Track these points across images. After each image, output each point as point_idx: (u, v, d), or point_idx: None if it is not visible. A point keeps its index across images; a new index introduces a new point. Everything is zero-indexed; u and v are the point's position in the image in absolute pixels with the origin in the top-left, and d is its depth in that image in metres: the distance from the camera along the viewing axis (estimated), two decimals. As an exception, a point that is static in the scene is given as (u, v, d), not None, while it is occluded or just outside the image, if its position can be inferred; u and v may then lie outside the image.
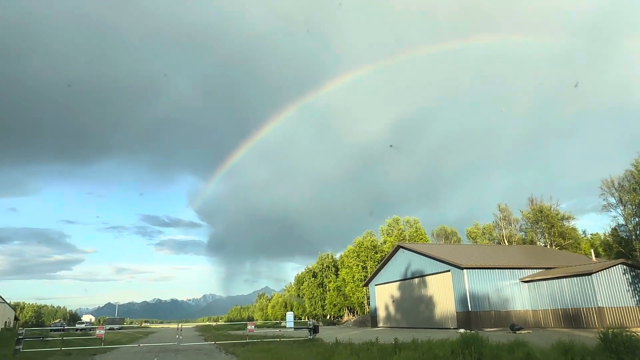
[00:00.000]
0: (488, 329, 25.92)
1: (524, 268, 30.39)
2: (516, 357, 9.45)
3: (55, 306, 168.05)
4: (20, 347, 16.46)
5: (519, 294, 29.36)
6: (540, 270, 30.27)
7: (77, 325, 64.54)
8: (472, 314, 27.64)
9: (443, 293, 31.18)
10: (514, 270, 30.05)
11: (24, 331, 17.46)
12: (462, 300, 28.52)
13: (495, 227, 60.55)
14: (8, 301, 72.66)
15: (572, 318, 26.02)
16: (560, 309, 26.92)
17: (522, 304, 29.07)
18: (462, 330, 21.98)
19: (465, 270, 28.52)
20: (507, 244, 55.23)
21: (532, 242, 52.62)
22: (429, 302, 32.95)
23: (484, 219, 75.41)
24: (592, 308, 24.92)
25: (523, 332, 23.29)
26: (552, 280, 27.69)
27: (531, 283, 29.31)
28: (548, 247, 48.78)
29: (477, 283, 28.59)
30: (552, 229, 50.83)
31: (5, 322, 65.71)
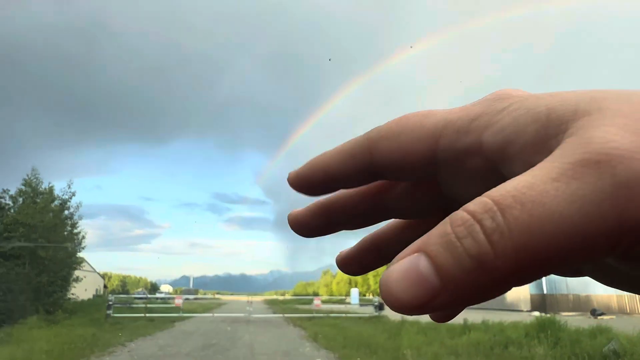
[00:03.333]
0: (565, 313, 24.52)
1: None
2: (598, 344, 8.84)
3: (137, 276, 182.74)
4: (111, 312, 18.11)
5: (600, 277, 27.42)
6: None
7: (158, 295, 69.79)
8: (547, 297, 26.28)
9: (515, 274, 29.88)
10: (595, 252, 28.04)
11: (113, 298, 19.19)
12: (536, 282, 27.13)
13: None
14: (97, 271, 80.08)
15: (663, 305, 23.89)
16: (649, 294, 24.79)
17: (604, 288, 27.08)
18: (536, 313, 20.99)
19: (540, 251, 27.03)
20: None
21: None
22: (499, 283, 31.77)
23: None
24: (687, 295, 22.66)
25: (605, 317, 21.77)
26: (640, 264, 25.50)
27: (615, 266, 27.21)
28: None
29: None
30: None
31: (96, 289, 72.57)
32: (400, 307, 0.18)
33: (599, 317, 21.62)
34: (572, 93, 0.20)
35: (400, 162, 0.25)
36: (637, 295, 25.26)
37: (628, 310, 25.93)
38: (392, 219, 0.32)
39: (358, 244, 0.32)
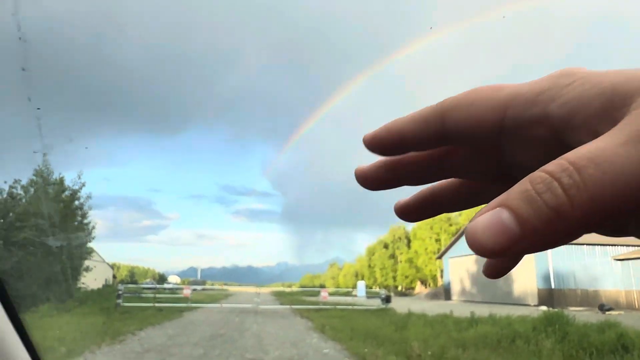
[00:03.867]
0: (573, 308, 24.41)
1: (617, 245, 27.95)
2: (607, 338, 8.80)
3: (146, 267, 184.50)
4: (121, 301, 18.35)
5: (610, 272, 27.17)
6: (636, 248, 27.68)
7: (166, 285, 70.51)
8: (555, 292, 26.15)
9: (523, 268, 29.73)
10: (605, 247, 27.77)
11: (123, 288, 19.43)
12: (544, 277, 27.03)
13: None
14: (107, 261, 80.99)
15: (672, 301, 23.67)
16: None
17: (613, 284, 26.92)
18: (543, 308, 20.92)
19: (548, 246, 26.84)
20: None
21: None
22: (507, 277, 31.63)
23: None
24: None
25: (613, 313, 21.63)
26: (650, 259, 25.24)
27: (625, 261, 26.94)
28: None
29: (562, 259, 26.86)
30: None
31: (106, 279, 73.44)
32: (484, 252, 0.22)
33: (607, 313, 21.49)
34: (636, 71, 0.23)
35: (470, 130, 0.29)
36: (646, 291, 25.03)
37: (637, 306, 25.74)
38: (451, 178, 0.36)
39: (417, 195, 0.36)
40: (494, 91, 0.28)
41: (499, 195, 0.23)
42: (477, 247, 0.21)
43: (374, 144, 0.32)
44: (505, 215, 0.21)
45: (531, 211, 0.21)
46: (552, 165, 0.22)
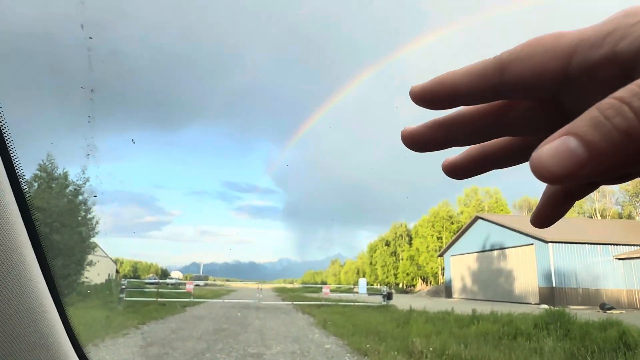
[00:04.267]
0: (574, 307, 24.42)
1: (619, 244, 27.92)
2: (609, 336, 8.82)
3: (149, 262, 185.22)
4: (124, 295, 18.45)
5: (612, 271, 27.15)
6: (638, 247, 27.64)
7: (168, 280, 70.78)
8: (556, 290, 26.16)
9: (525, 267, 29.74)
10: (607, 246, 27.75)
11: (126, 282, 19.53)
12: (545, 275, 27.03)
13: (586, 200, 56.00)
14: (110, 256, 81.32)
15: (674, 300, 23.66)
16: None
17: (615, 283, 26.90)
18: (545, 306, 20.94)
19: (550, 244, 26.85)
20: (599, 218, 50.97)
21: (629, 217, 48.10)
22: (508, 276, 31.67)
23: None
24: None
25: (615, 312, 21.64)
26: (652, 259, 25.20)
27: (627, 261, 26.92)
28: (648, 223, 44.28)
29: (564, 258, 26.85)
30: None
31: (109, 274, 73.77)
32: (550, 178, 0.22)
33: (608, 312, 21.49)
34: None
35: (531, 82, 0.27)
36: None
37: (638, 305, 25.74)
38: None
39: (466, 152, 0.36)
40: (556, 39, 0.27)
41: None
42: (543, 173, 0.22)
43: (424, 96, 0.31)
44: (572, 141, 0.21)
45: (600, 135, 0.21)
46: (622, 91, 0.22)
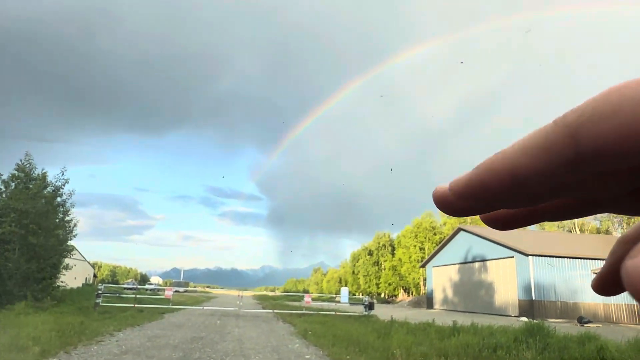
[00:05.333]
0: (552, 320, 24.71)
1: (597, 259, 28.40)
2: (587, 351, 8.89)
3: (128, 267, 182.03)
4: (100, 301, 18.00)
5: (589, 285, 27.49)
6: (615, 262, 28.14)
7: (147, 286, 69.56)
8: (535, 303, 26.44)
9: (505, 279, 30.02)
10: (585, 260, 28.19)
11: (103, 287, 19.05)
12: (525, 288, 27.31)
13: (565, 214, 57.01)
14: (88, 260, 79.63)
15: (649, 315, 24.11)
16: (637, 304, 24.97)
17: (592, 297, 27.30)
18: (524, 319, 21.12)
19: (530, 257, 27.18)
20: (578, 232, 51.91)
21: (607, 232, 49.08)
22: (489, 288, 31.91)
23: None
24: (674, 306, 22.92)
25: (592, 325, 21.95)
26: (628, 274, 25.68)
27: (604, 275, 27.38)
28: (625, 238, 45.21)
29: (544, 271, 27.19)
30: (632, 219, 47.05)
31: (86, 278, 72.19)
32: None
33: (585, 325, 21.78)
34: None
35: (617, 148, 0.20)
36: (623, 305, 25.46)
37: (614, 320, 26.17)
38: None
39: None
40: None
41: (631, 204, 0.19)
42: None
43: (468, 194, 0.24)
44: None
45: None
46: None
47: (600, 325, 22.96)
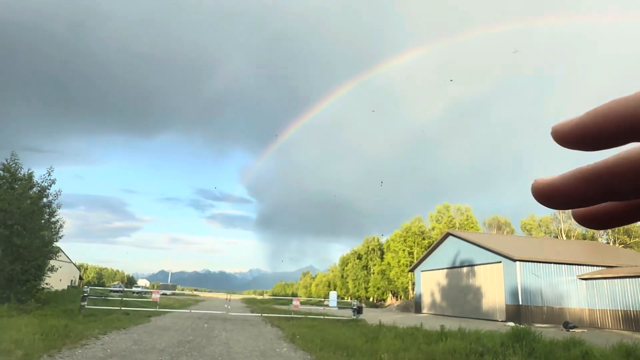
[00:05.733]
0: (539, 325, 24.93)
1: (583, 265, 28.75)
2: (572, 356, 8.99)
3: (115, 269, 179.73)
4: (85, 303, 17.75)
5: (575, 291, 27.89)
6: (600, 268, 28.53)
7: (134, 289, 68.77)
8: (522, 308, 26.65)
9: (492, 284, 30.24)
10: (571, 266, 28.52)
11: (88, 290, 18.79)
12: (512, 293, 27.53)
13: (553, 220, 57.80)
14: (74, 262, 78.53)
15: (633, 320, 24.43)
16: (621, 310, 25.33)
17: (577, 302, 27.63)
18: (511, 324, 21.28)
19: (518, 263, 27.42)
20: (565, 238, 52.52)
21: (592, 239, 49.73)
22: (476, 292, 32.11)
23: (541, 211, 72.04)
24: (657, 312, 23.27)
25: (577, 330, 22.19)
26: (614, 280, 26.04)
27: (590, 281, 27.74)
28: (611, 244, 45.90)
29: (530, 277, 27.45)
30: (616, 230, 47.73)
31: (72, 280, 71.17)
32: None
33: (571, 330, 22.01)
34: None
35: None
36: (608, 311, 25.79)
37: (599, 325, 26.48)
38: None
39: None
40: None
41: None
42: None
43: (581, 134, 0.23)
44: None
45: None
46: None
47: (586, 330, 23.22)
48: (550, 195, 0.25)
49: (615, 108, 0.23)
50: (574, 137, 0.24)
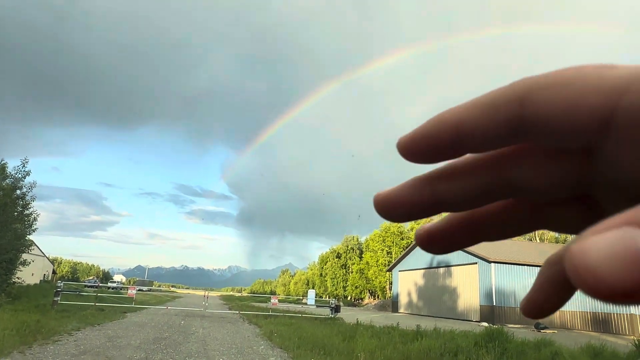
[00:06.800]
0: (512, 325, 25.52)
1: (555, 267, 29.54)
2: (542, 356, 9.26)
3: (90, 264, 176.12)
4: (58, 299, 17.37)
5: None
6: (572, 270, 29.35)
7: (110, 284, 67.59)
8: (496, 309, 27.23)
9: (468, 285, 30.80)
10: (544, 268, 29.27)
11: (62, 284, 18.39)
12: (487, 294, 28.10)
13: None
14: (47, 255, 76.68)
15: (601, 322, 25.27)
16: (590, 312, 26.15)
17: (549, 304, 28.37)
18: (485, 324, 21.73)
19: (492, 264, 28.00)
20: (538, 241, 53.81)
21: (565, 242, 51.03)
22: (452, 293, 32.65)
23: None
24: (623, 314, 24.08)
25: (548, 331, 22.80)
26: (583, 282, 26.83)
27: (561, 283, 28.52)
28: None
29: (505, 278, 28.06)
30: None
31: (44, 274, 69.47)
32: (611, 293, 0.13)
33: (542, 331, 22.61)
34: None
35: (561, 120, 0.20)
36: (577, 312, 26.56)
37: (569, 326, 27.27)
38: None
39: (446, 219, 0.27)
40: (603, 70, 0.19)
41: (567, 221, 0.18)
42: (598, 286, 0.13)
43: (416, 145, 0.23)
44: (638, 235, 0.14)
45: None
46: None
47: (556, 331, 23.88)
48: (387, 206, 0.25)
49: (448, 113, 0.23)
50: (412, 148, 0.23)
